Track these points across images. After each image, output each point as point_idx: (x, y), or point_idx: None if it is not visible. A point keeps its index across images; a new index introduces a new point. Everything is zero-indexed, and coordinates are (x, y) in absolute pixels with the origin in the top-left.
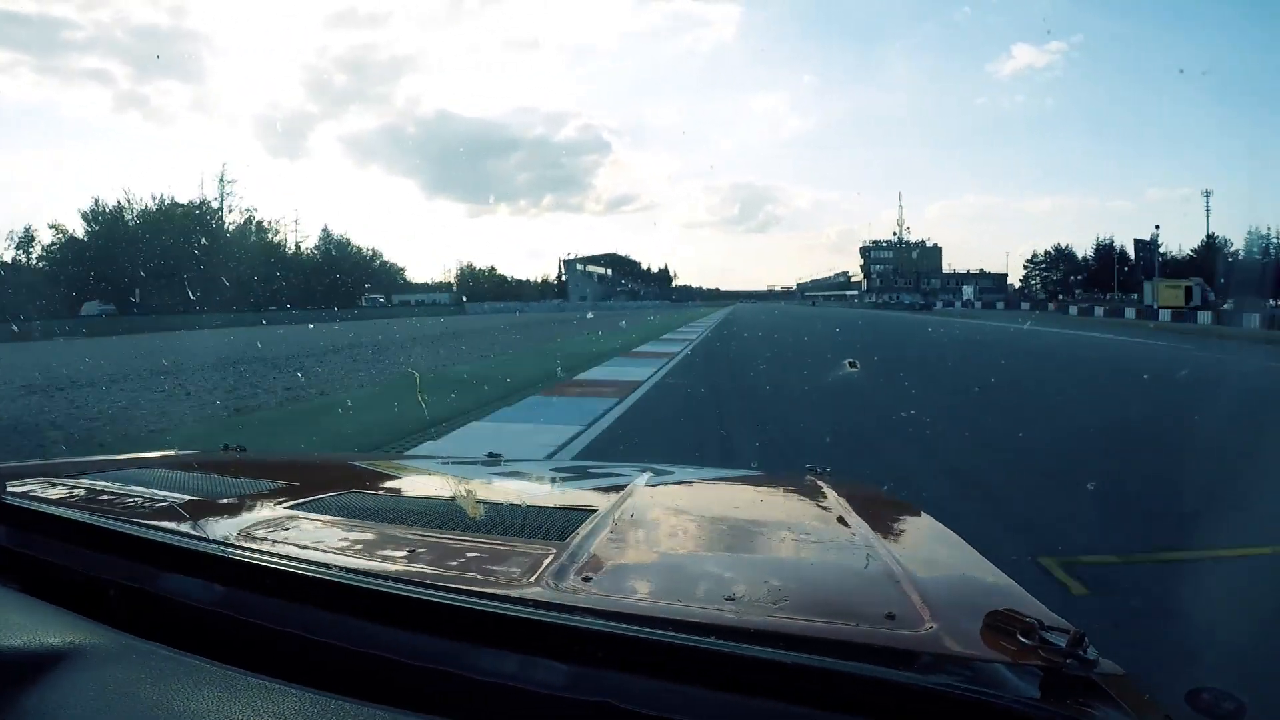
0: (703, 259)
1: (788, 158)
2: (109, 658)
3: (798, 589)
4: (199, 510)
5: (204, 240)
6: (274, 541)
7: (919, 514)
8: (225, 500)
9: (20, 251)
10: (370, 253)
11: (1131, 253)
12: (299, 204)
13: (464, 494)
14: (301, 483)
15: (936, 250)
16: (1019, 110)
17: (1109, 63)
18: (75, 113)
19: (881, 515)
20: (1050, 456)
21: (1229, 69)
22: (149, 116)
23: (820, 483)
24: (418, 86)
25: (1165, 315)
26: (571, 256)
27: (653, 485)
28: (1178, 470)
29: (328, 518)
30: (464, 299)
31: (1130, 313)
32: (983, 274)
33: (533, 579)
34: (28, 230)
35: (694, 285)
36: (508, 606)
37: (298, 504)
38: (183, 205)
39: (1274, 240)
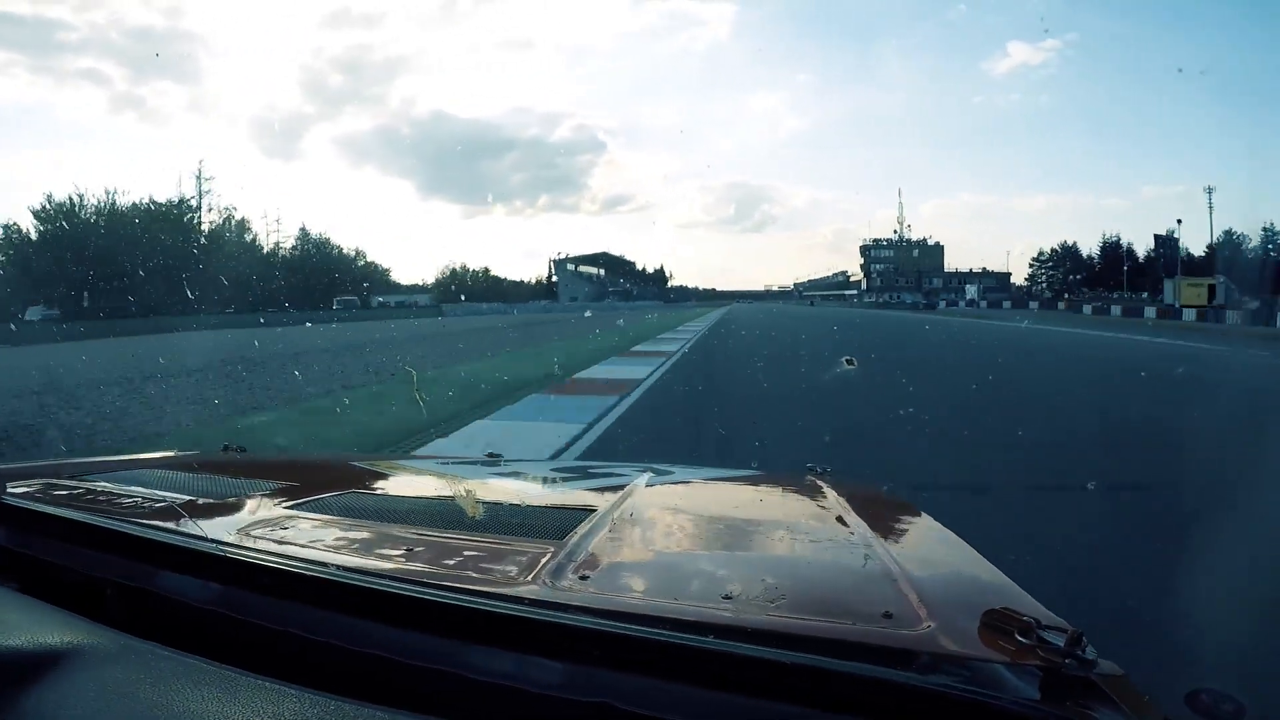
0: (699, 259)
1: (783, 157)
2: (108, 658)
3: (795, 588)
4: (198, 510)
5: (165, 239)
6: (273, 541)
7: (918, 514)
8: (224, 500)
9: None
10: (354, 253)
11: (1139, 250)
12: (297, 206)
13: (463, 493)
14: (301, 483)
15: (938, 248)
16: (1015, 109)
17: (1104, 61)
18: (71, 114)
19: (880, 515)
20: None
21: (1226, 68)
22: (144, 117)
23: (820, 482)
24: (413, 87)
25: (1190, 315)
26: (562, 256)
27: (652, 485)
28: None
29: (327, 517)
30: (440, 302)
31: (1151, 312)
32: (985, 272)
33: (530, 578)
34: None
35: (690, 286)
36: (505, 605)
37: (297, 504)
38: (148, 204)
39: None
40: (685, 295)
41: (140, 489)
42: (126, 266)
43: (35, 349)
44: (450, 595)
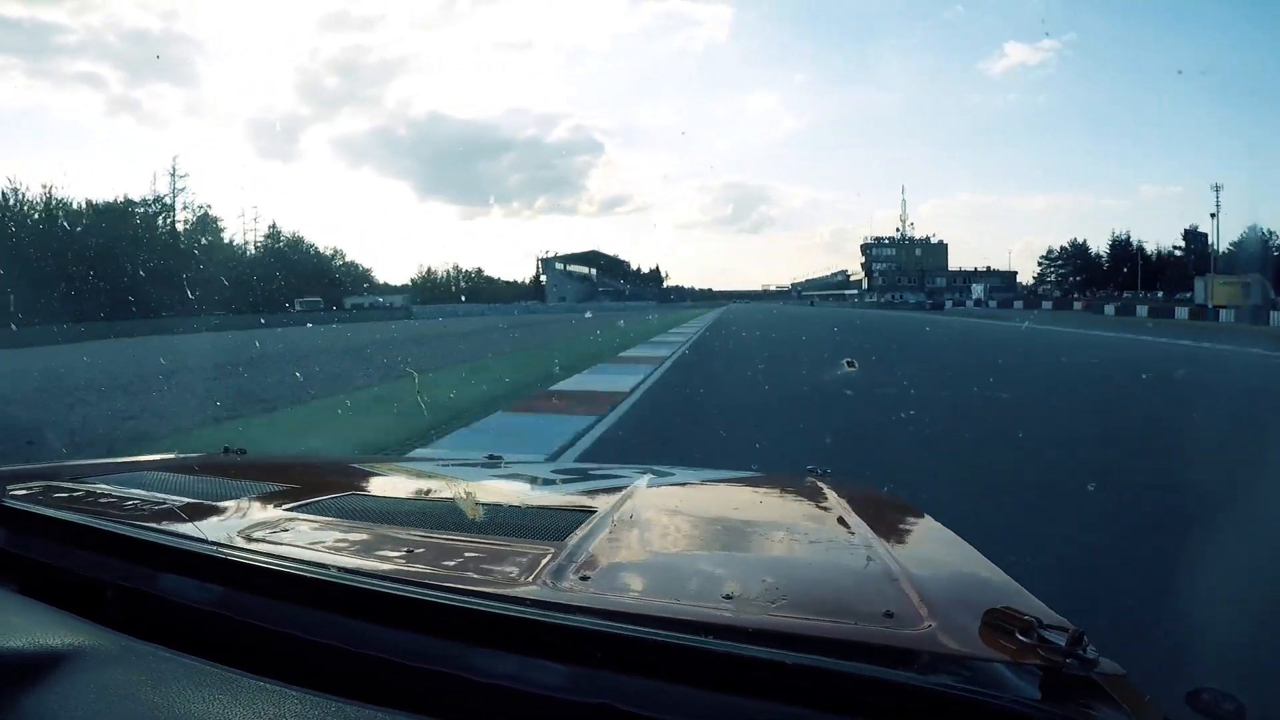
0: (696, 259)
1: (781, 158)
2: (108, 659)
3: (796, 588)
4: (198, 512)
5: (109, 239)
6: (273, 543)
7: (919, 514)
8: (225, 502)
9: None
10: (331, 252)
11: (1148, 248)
12: (295, 208)
13: (463, 495)
14: (301, 485)
15: (942, 247)
16: (1012, 109)
17: (1102, 61)
18: (68, 115)
19: (881, 515)
20: None
21: (1225, 67)
22: (142, 120)
23: (820, 484)
24: (409, 88)
25: (1227, 315)
26: (549, 254)
27: (653, 487)
28: None
29: (327, 519)
30: (414, 304)
31: (1182, 313)
32: (990, 271)
33: (531, 579)
34: None
35: (686, 286)
36: (506, 606)
37: (297, 505)
38: (99, 202)
39: None
40: (681, 296)
41: (140, 491)
42: (64, 269)
43: None
44: (451, 597)
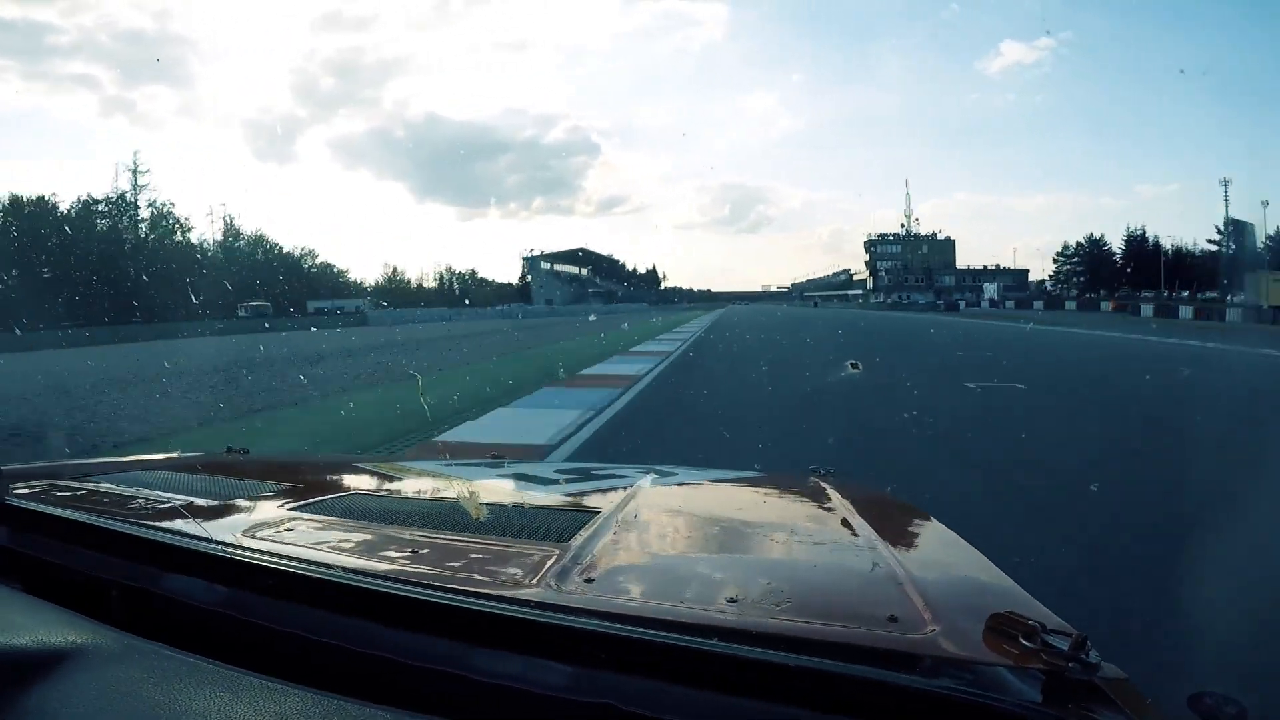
0: (694, 260)
1: (778, 158)
2: (111, 658)
3: (799, 591)
4: (202, 511)
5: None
6: (277, 542)
7: (923, 516)
8: (228, 501)
9: None
10: (301, 253)
11: (1166, 245)
12: (292, 210)
13: (466, 495)
14: (305, 484)
15: (949, 244)
16: (1009, 108)
17: (1099, 60)
18: (62, 116)
19: (885, 517)
20: None
21: (1224, 66)
22: (135, 121)
23: (824, 484)
24: (406, 89)
25: None
26: (535, 253)
27: (656, 487)
28: None
29: (330, 519)
30: (362, 309)
31: (1234, 315)
32: (1001, 269)
33: (535, 580)
34: None
35: (684, 287)
36: (510, 607)
37: (301, 505)
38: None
39: None
40: (679, 297)
41: (144, 490)
42: None
43: None
44: (454, 597)
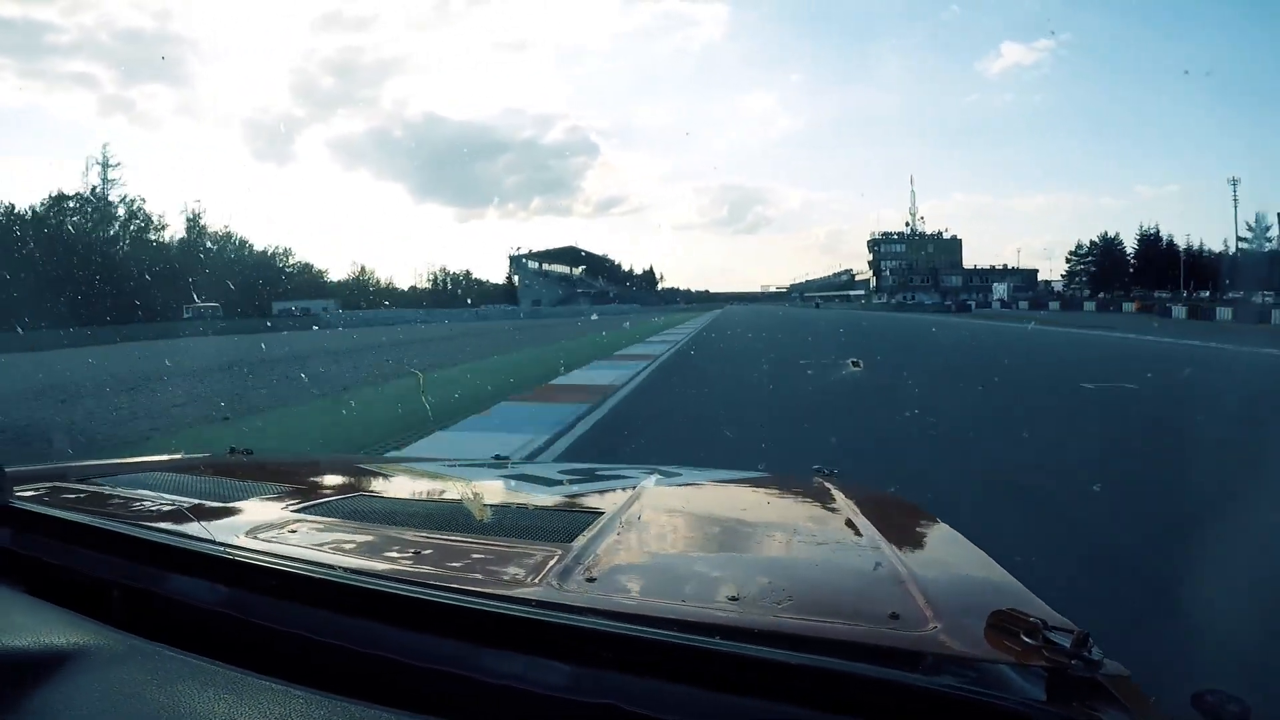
0: (692, 261)
1: (777, 158)
2: (114, 659)
3: (802, 590)
4: (204, 512)
5: None
6: (280, 543)
7: (925, 515)
8: (231, 503)
9: None
10: (275, 252)
11: (1180, 244)
12: (289, 210)
13: (470, 496)
14: (308, 485)
15: (955, 243)
16: (1008, 108)
17: (1097, 59)
18: (61, 115)
19: (888, 516)
20: None
21: (1223, 65)
22: (134, 120)
23: (827, 484)
24: (405, 90)
25: None
26: (520, 251)
27: (660, 487)
28: None
29: (333, 519)
30: (305, 309)
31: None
32: (1008, 269)
33: (538, 580)
34: None
35: (682, 287)
36: (513, 607)
37: (303, 506)
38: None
39: None
40: (676, 297)
41: (147, 491)
42: None
43: None
44: (458, 597)
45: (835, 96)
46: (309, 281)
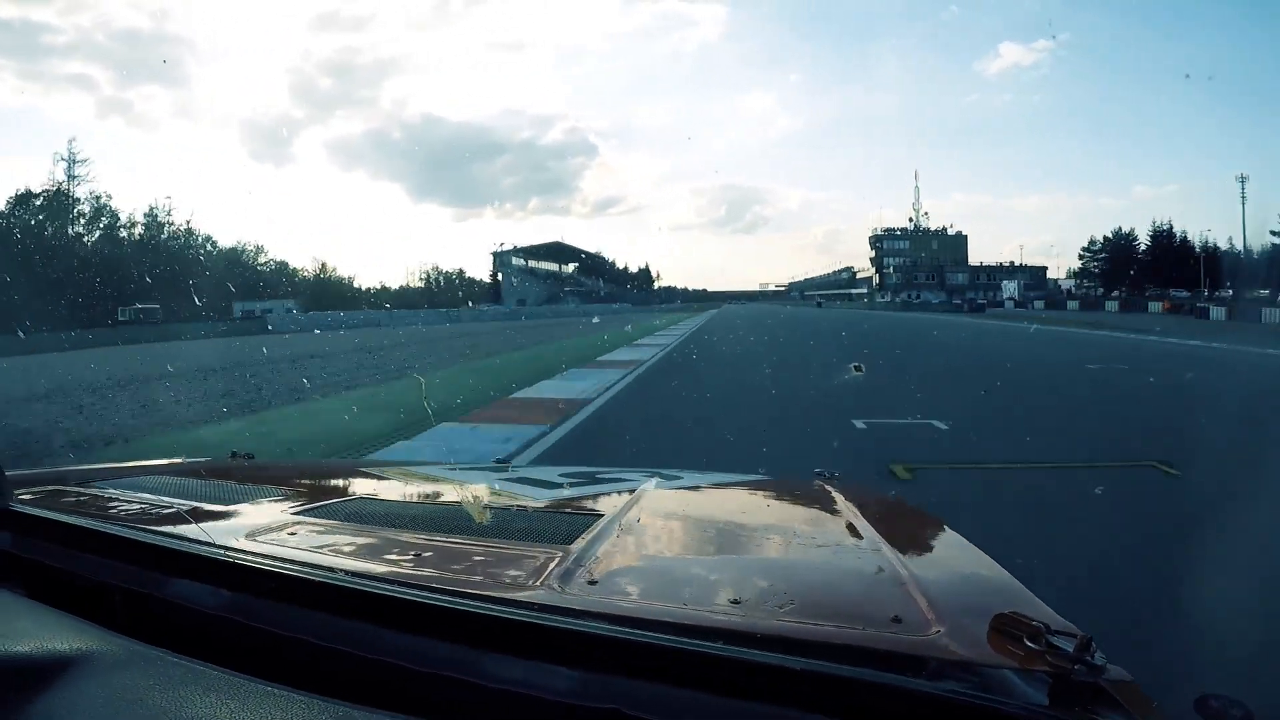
0: (692, 260)
1: (775, 158)
2: (116, 663)
3: (804, 593)
4: (206, 516)
5: None
6: (281, 547)
7: (927, 518)
8: (232, 506)
9: None
10: (245, 250)
11: (1195, 242)
12: (287, 210)
13: (471, 499)
14: (309, 489)
15: (961, 239)
16: (1008, 108)
17: (1096, 60)
18: (58, 116)
19: (890, 520)
20: None
21: (1223, 66)
22: (132, 122)
23: (828, 488)
24: (403, 90)
25: None
26: (503, 247)
27: (660, 490)
28: None
29: (334, 523)
30: (267, 311)
31: None
32: (1015, 266)
33: (539, 583)
34: None
35: (680, 286)
36: (514, 611)
37: (305, 510)
38: None
39: None
40: (672, 297)
41: (148, 495)
42: None
43: None
44: (459, 601)
45: (834, 97)
46: (290, 281)
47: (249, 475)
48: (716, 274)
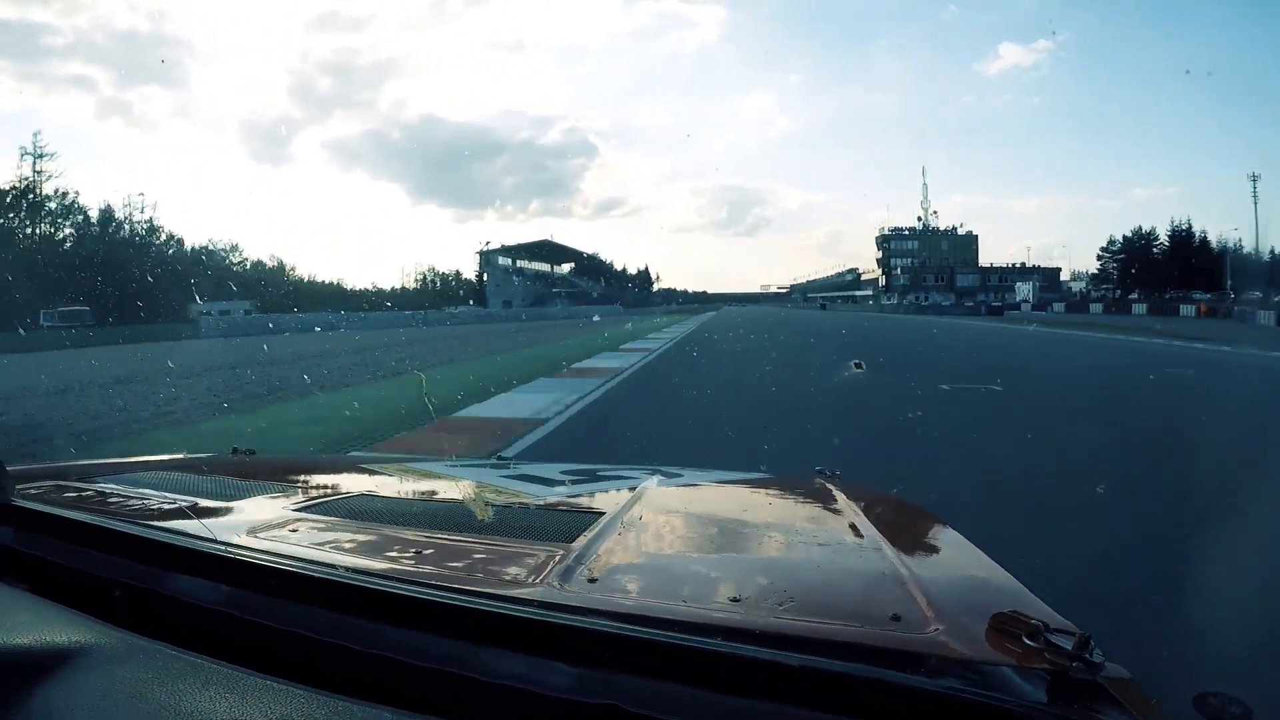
0: (693, 261)
1: (776, 159)
2: (116, 658)
3: (804, 591)
4: (207, 511)
5: None
6: (282, 542)
7: (928, 517)
8: (233, 502)
9: None
10: (217, 248)
11: (1213, 241)
12: (286, 211)
13: (471, 496)
14: (310, 484)
15: (971, 239)
16: (1008, 109)
17: (1096, 60)
18: (58, 118)
19: (890, 517)
20: None
21: (1223, 66)
22: (131, 123)
23: (829, 486)
24: (402, 91)
25: None
26: (490, 246)
27: (662, 488)
28: None
29: (335, 519)
30: (224, 312)
31: None
32: (1028, 268)
33: (539, 580)
34: None
35: (681, 288)
36: (514, 607)
37: (305, 505)
38: None
39: None
40: (670, 298)
41: (149, 490)
42: None
43: None
44: (459, 597)
45: (834, 97)
46: (268, 280)
47: (250, 471)
48: (717, 275)
